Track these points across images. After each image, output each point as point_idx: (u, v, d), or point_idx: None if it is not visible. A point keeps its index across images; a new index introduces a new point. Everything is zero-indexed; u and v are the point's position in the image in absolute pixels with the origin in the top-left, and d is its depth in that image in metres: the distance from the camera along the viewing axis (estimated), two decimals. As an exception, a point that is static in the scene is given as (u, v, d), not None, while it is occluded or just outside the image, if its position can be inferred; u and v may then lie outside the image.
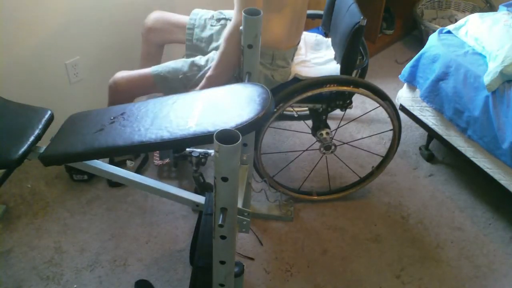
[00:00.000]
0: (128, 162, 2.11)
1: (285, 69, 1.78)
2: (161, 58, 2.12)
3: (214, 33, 1.91)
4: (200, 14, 1.97)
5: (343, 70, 1.76)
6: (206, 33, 1.92)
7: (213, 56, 1.76)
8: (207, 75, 1.69)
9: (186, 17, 1.99)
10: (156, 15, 2.01)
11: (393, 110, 1.80)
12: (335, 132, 2.01)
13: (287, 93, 1.72)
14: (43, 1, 1.88)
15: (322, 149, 1.90)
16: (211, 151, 1.94)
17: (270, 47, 1.69)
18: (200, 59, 1.78)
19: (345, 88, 1.74)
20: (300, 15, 1.73)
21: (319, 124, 1.89)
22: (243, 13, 1.37)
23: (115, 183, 2.03)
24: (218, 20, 1.93)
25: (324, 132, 1.87)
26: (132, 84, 1.81)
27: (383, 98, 1.78)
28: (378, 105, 1.79)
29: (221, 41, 1.67)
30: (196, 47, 1.94)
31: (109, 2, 2.10)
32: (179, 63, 1.78)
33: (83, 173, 2.03)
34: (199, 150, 1.92)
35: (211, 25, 1.92)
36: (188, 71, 1.75)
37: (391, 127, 1.85)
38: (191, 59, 1.79)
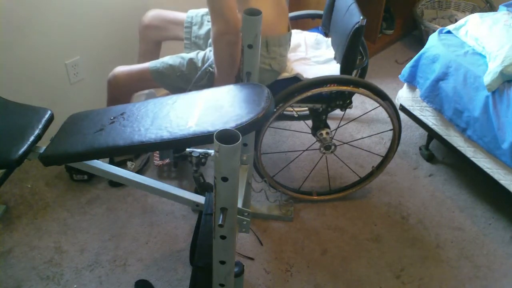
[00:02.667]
0: (129, 164, 2.11)
1: (282, 58, 1.77)
2: (159, 55, 2.12)
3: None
4: (196, 12, 1.97)
5: (343, 70, 1.76)
6: (204, 30, 1.92)
7: (209, 54, 1.76)
8: (215, 78, 1.71)
9: (183, 14, 1.99)
10: (152, 13, 2.02)
11: (393, 110, 1.80)
12: (335, 132, 2.01)
13: (287, 93, 1.72)
14: (43, 1, 1.88)
15: (322, 149, 1.90)
16: (211, 151, 1.94)
17: (262, 34, 1.65)
18: (197, 56, 1.78)
19: (345, 88, 1.74)
20: None
21: (319, 124, 1.89)
22: (243, 14, 1.37)
23: (115, 183, 2.03)
24: None
25: (324, 132, 1.87)
26: (131, 79, 1.81)
27: (383, 98, 1.78)
28: (378, 105, 1.79)
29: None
30: (195, 45, 1.94)
31: (109, 2, 2.10)
32: (177, 60, 1.78)
33: (83, 173, 2.03)
34: (199, 150, 1.92)
35: (208, 21, 1.92)
36: (186, 70, 1.76)
37: (391, 127, 1.86)
38: (189, 56, 1.78)
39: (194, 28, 1.94)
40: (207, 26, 1.91)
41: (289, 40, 1.81)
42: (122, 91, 1.83)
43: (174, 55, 1.81)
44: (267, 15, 1.65)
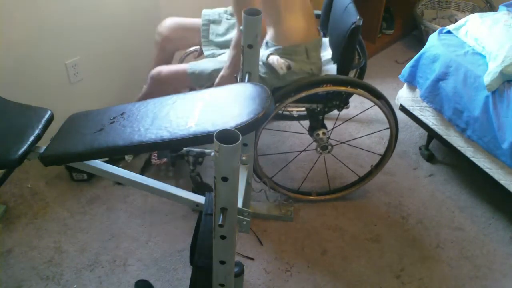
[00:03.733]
0: (126, 157, 2.11)
1: (319, 60, 1.80)
2: (172, 62, 2.12)
3: (230, 26, 1.92)
4: (212, 10, 1.96)
5: (339, 70, 1.76)
6: (223, 27, 1.92)
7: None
8: (220, 74, 1.72)
9: (199, 19, 1.98)
10: (170, 23, 2.00)
11: (388, 109, 1.80)
12: (331, 132, 2.01)
13: (283, 93, 1.72)
14: (43, 1, 1.88)
15: (318, 149, 1.90)
16: (208, 150, 1.94)
17: (298, 43, 1.71)
18: (225, 56, 1.79)
19: (339, 88, 1.73)
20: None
21: (316, 124, 1.89)
22: (243, 13, 1.37)
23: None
24: (232, 14, 1.94)
25: (320, 132, 1.87)
26: (171, 78, 1.87)
27: (378, 97, 1.77)
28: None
29: (230, 48, 1.70)
30: (213, 42, 1.94)
31: (109, 2, 2.10)
32: (211, 65, 1.80)
33: (83, 172, 2.03)
34: (196, 149, 1.92)
35: (227, 19, 1.92)
36: (219, 69, 1.77)
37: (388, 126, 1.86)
38: (222, 59, 1.80)
39: (212, 26, 1.93)
40: (226, 23, 1.92)
41: (321, 42, 1.84)
42: (162, 88, 1.87)
43: (211, 58, 1.84)
44: (300, 24, 1.71)
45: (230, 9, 1.97)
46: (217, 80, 1.74)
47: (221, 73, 1.73)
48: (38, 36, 1.93)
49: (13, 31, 1.85)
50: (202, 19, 1.95)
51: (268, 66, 1.72)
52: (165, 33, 2.01)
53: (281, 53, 1.72)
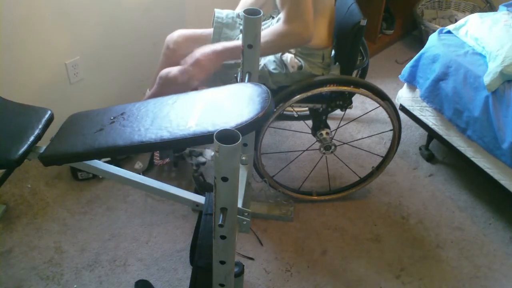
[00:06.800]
0: (136, 164, 2.11)
1: (330, 67, 1.81)
2: None
3: (240, 32, 1.91)
4: (226, 13, 1.94)
5: (343, 70, 1.76)
6: (234, 32, 1.91)
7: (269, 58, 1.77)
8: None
9: (208, 30, 1.96)
10: (178, 37, 1.97)
11: (393, 110, 1.80)
12: (335, 132, 2.01)
13: (287, 92, 1.72)
14: (43, 1, 1.88)
15: (322, 149, 1.90)
16: (208, 151, 1.94)
17: (319, 48, 1.72)
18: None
19: (344, 88, 1.74)
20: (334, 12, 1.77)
21: (319, 124, 1.89)
22: (244, 14, 1.36)
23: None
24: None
25: (324, 132, 1.87)
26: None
27: (383, 98, 1.78)
28: (378, 105, 1.79)
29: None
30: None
31: (110, 2, 2.10)
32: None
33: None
34: (199, 149, 1.92)
35: (240, 24, 1.92)
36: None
37: (391, 127, 1.86)
38: None
39: (225, 29, 1.92)
40: (238, 29, 1.91)
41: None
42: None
43: None
44: (325, 29, 1.71)
45: (241, 13, 1.94)
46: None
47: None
48: (38, 36, 1.93)
49: (13, 31, 1.85)
50: (215, 21, 1.92)
51: (281, 62, 1.73)
52: (172, 46, 1.97)
53: (299, 52, 1.72)
